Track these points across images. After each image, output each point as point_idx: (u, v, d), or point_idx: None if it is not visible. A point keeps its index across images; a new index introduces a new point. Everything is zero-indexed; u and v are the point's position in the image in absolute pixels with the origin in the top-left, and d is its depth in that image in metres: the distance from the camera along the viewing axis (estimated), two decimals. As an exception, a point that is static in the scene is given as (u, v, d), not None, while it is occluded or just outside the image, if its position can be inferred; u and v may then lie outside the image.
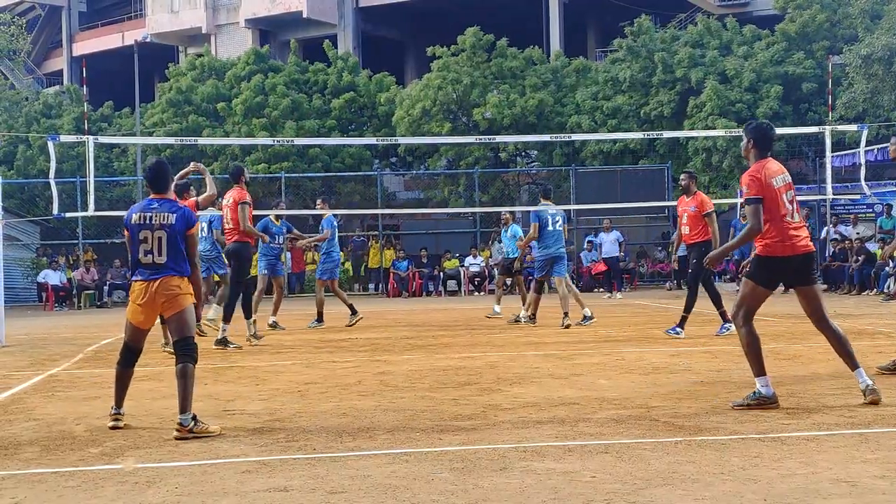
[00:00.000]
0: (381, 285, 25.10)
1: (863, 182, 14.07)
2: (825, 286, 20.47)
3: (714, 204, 11.14)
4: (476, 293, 23.45)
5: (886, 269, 18.11)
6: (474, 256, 24.12)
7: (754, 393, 5.94)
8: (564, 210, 13.98)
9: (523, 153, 29.39)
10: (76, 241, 25.38)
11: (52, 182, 13.62)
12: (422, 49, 30.54)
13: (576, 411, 5.91)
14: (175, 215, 5.69)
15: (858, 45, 22.94)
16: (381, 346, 10.36)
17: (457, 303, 19.96)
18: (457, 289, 23.86)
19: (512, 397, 6.53)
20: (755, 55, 26.15)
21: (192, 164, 9.37)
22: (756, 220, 5.87)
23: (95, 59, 41.39)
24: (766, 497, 3.88)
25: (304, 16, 40.51)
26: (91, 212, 13.66)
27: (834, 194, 16.48)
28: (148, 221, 5.68)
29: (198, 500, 4.07)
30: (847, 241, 20.15)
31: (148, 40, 38.58)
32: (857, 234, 20.51)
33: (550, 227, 12.40)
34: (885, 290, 17.28)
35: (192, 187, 10.49)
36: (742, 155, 6.30)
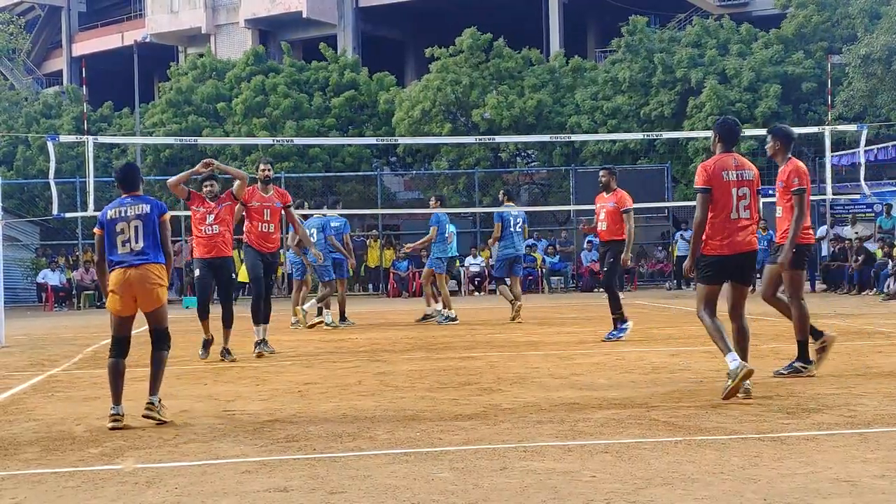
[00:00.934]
0: (381, 285, 25.10)
1: (862, 182, 14.08)
2: (825, 286, 20.47)
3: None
4: (476, 293, 23.46)
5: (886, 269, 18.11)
6: (474, 256, 24.13)
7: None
8: (564, 210, 14.10)
9: (523, 153, 29.40)
10: (76, 242, 25.38)
11: (52, 182, 13.64)
12: (422, 49, 30.55)
13: (576, 411, 5.91)
14: (149, 205, 6.07)
15: (857, 45, 22.95)
16: (381, 346, 10.36)
17: (457, 303, 19.93)
18: (457, 289, 23.85)
19: (512, 397, 6.53)
20: (754, 55, 26.17)
21: (200, 164, 8.82)
22: (702, 211, 6.22)
23: (95, 59, 41.36)
24: (766, 497, 3.88)
25: (304, 16, 40.50)
26: (91, 212, 13.66)
27: (833, 194, 16.49)
28: (123, 214, 6.04)
29: (197, 500, 4.07)
30: (846, 242, 20.14)
31: (147, 40, 38.57)
32: (856, 233, 20.51)
33: (511, 228, 13.14)
34: (885, 290, 17.27)
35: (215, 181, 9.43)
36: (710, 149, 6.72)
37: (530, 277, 24.02)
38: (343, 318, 13.43)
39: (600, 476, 4.27)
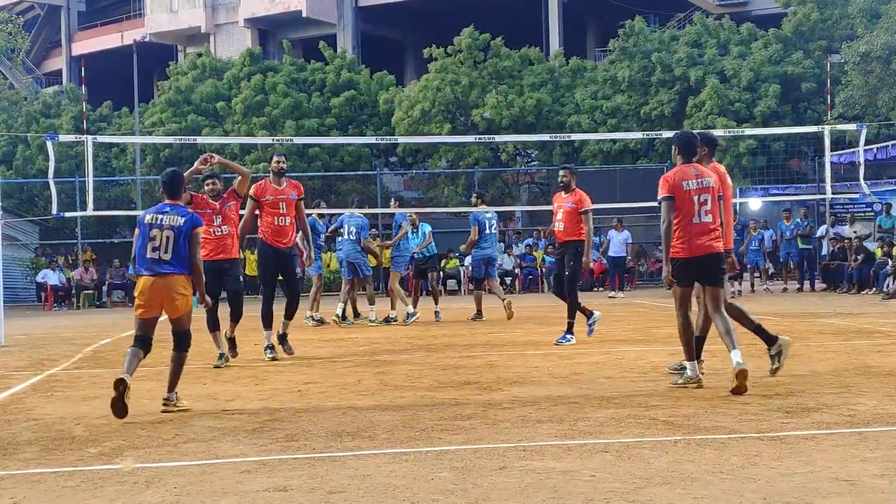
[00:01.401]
0: (380, 285, 25.07)
1: (862, 181, 14.07)
2: (824, 285, 20.48)
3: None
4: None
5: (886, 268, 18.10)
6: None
7: (681, 373, 6.84)
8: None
9: (523, 153, 29.39)
10: (75, 241, 25.38)
11: (51, 182, 13.63)
12: (421, 49, 30.55)
13: (575, 410, 5.91)
14: (184, 219, 6.42)
15: (857, 43, 22.95)
16: (381, 346, 10.35)
17: (457, 302, 19.96)
18: (457, 288, 23.85)
19: (512, 396, 6.53)
20: (753, 54, 26.17)
21: (198, 160, 8.50)
22: (667, 217, 6.68)
23: (94, 58, 41.41)
24: (766, 496, 3.88)
25: (304, 15, 40.53)
26: (90, 211, 13.67)
27: (833, 193, 16.49)
28: (159, 222, 6.39)
29: (197, 500, 4.07)
30: (846, 241, 20.14)
31: (147, 40, 38.60)
32: (855, 232, 20.51)
33: (487, 231, 13.50)
34: (884, 289, 17.28)
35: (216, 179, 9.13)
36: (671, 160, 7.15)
37: (530, 277, 24.02)
38: (357, 315, 13.96)
39: (600, 475, 4.27)
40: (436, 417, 5.78)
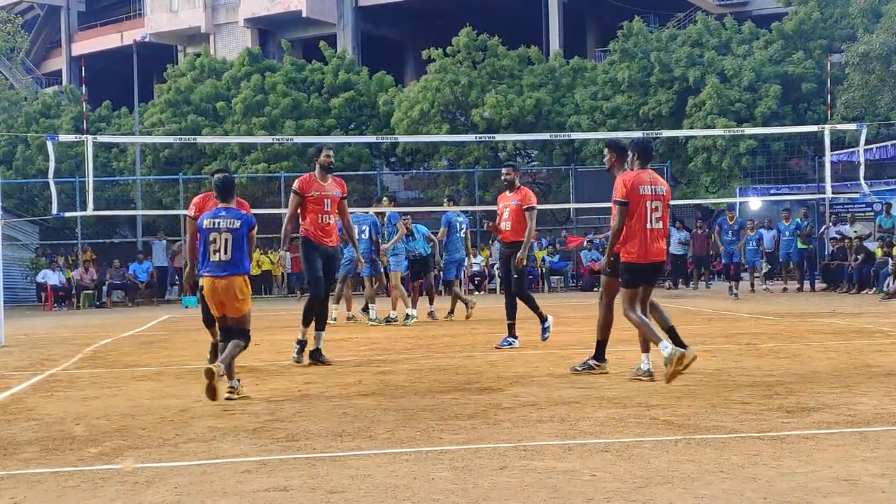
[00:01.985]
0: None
1: (862, 181, 14.08)
2: (825, 285, 20.47)
3: (723, 203, 10.45)
4: (476, 292, 23.44)
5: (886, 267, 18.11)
6: (474, 256, 24.11)
7: (638, 368, 7.26)
8: (564, 210, 14.36)
9: (523, 153, 29.39)
10: (75, 241, 25.38)
11: (51, 182, 13.63)
12: (421, 49, 30.56)
13: (576, 410, 5.91)
14: (240, 221, 6.89)
15: (857, 44, 22.95)
16: (381, 346, 10.35)
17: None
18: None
19: (512, 396, 6.52)
20: (753, 54, 26.16)
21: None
22: (619, 221, 6.99)
23: (94, 58, 41.40)
24: (766, 495, 3.88)
25: (304, 15, 40.55)
26: (90, 211, 13.68)
27: (833, 193, 16.49)
28: (216, 226, 6.86)
29: (197, 500, 4.07)
30: (846, 240, 20.14)
31: (147, 40, 38.62)
32: (856, 232, 20.52)
33: (457, 233, 13.89)
34: (884, 289, 17.28)
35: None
36: (627, 165, 7.33)
37: (531, 277, 24.02)
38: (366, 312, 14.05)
39: (600, 475, 4.27)
40: (436, 417, 5.78)
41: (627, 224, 6.98)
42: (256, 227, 6.98)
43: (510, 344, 9.66)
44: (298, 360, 8.76)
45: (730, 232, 18.72)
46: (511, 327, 9.72)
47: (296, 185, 8.76)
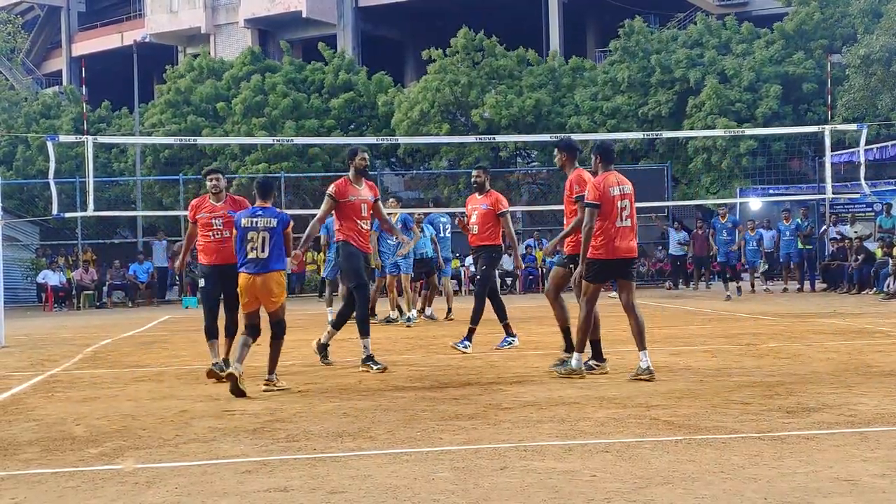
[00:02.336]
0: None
1: (862, 181, 14.08)
2: (825, 285, 20.47)
3: (717, 204, 10.54)
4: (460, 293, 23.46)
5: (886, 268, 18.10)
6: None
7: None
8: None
9: (523, 153, 29.37)
10: (75, 242, 25.38)
11: (52, 182, 13.63)
12: (422, 49, 30.56)
13: (576, 410, 5.91)
14: (276, 220, 7.20)
15: (857, 46, 22.95)
16: (381, 346, 10.34)
17: (457, 302, 19.93)
18: (457, 288, 23.83)
19: (512, 396, 6.53)
20: (754, 54, 26.16)
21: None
22: (590, 221, 7.19)
23: (94, 59, 41.37)
24: (767, 496, 3.88)
25: (304, 15, 40.51)
26: (90, 212, 13.68)
27: (833, 193, 16.49)
28: (254, 225, 7.15)
29: (198, 500, 4.07)
30: (847, 241, 20.14)
31: (147, 40, 38.58)
32: (856, 232, 20.51)
33: (441, 233, 14.04)
34: (885, 289, 17.27)
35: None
36: (591, 167, 7.58)
37: (531, 277, 24.02)
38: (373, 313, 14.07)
39: (601, 475, 4.27)
40: (436, 418, 5.78)
41: (598, 224, 7.22)
42: (292, 224, 7.28)
43: (510, 343, 9.64)
44: (325, 362, 8.80)
45: (724, 231, 18.50)
46: (507, 327, 9.70)
47: (332, 189, 8.35)
